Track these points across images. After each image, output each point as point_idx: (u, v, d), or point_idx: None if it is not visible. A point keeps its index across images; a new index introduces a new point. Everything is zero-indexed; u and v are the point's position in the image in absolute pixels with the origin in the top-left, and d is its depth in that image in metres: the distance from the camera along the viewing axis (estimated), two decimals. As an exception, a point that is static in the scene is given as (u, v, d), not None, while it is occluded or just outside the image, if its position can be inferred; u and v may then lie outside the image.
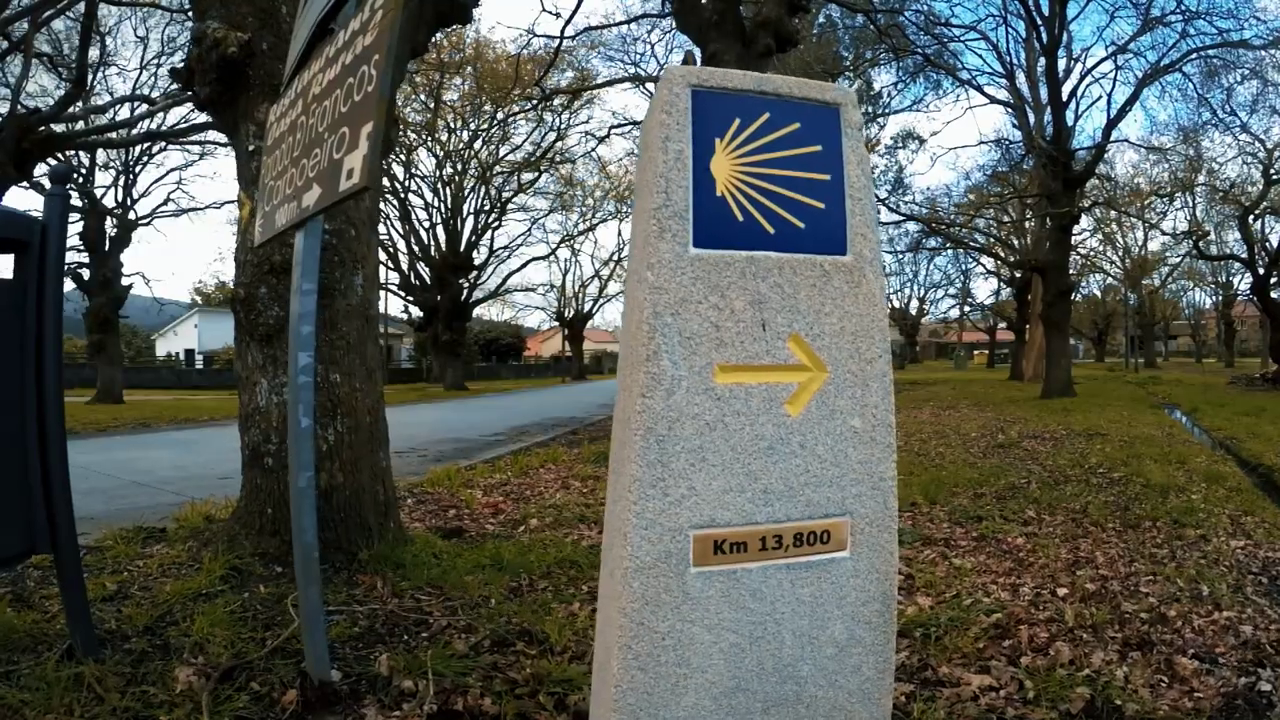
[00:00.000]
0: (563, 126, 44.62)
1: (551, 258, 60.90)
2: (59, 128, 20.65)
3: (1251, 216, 37.30)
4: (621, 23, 24.64)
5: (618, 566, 2.71)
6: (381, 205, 44.41)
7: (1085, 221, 52.95)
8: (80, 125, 23.88)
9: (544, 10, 47.75)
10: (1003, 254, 44.63)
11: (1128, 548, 6.59)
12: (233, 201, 59.62)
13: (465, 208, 46.75)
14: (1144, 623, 4.63)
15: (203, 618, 4.54)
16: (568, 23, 15.41)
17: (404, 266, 47.61)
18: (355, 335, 6.17)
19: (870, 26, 26.76)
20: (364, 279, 6.26)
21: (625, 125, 41.92)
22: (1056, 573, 5.85)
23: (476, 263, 48.18)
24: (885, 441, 2.82)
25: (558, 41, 19.05)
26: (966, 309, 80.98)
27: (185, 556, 6.12)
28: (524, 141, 46.18)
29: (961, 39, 29.82)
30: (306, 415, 3.78)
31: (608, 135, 43.50)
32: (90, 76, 27.30)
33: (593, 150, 44.74)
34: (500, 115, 41.06)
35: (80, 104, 22.68)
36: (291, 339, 3.84)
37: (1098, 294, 75.95)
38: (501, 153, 46.49)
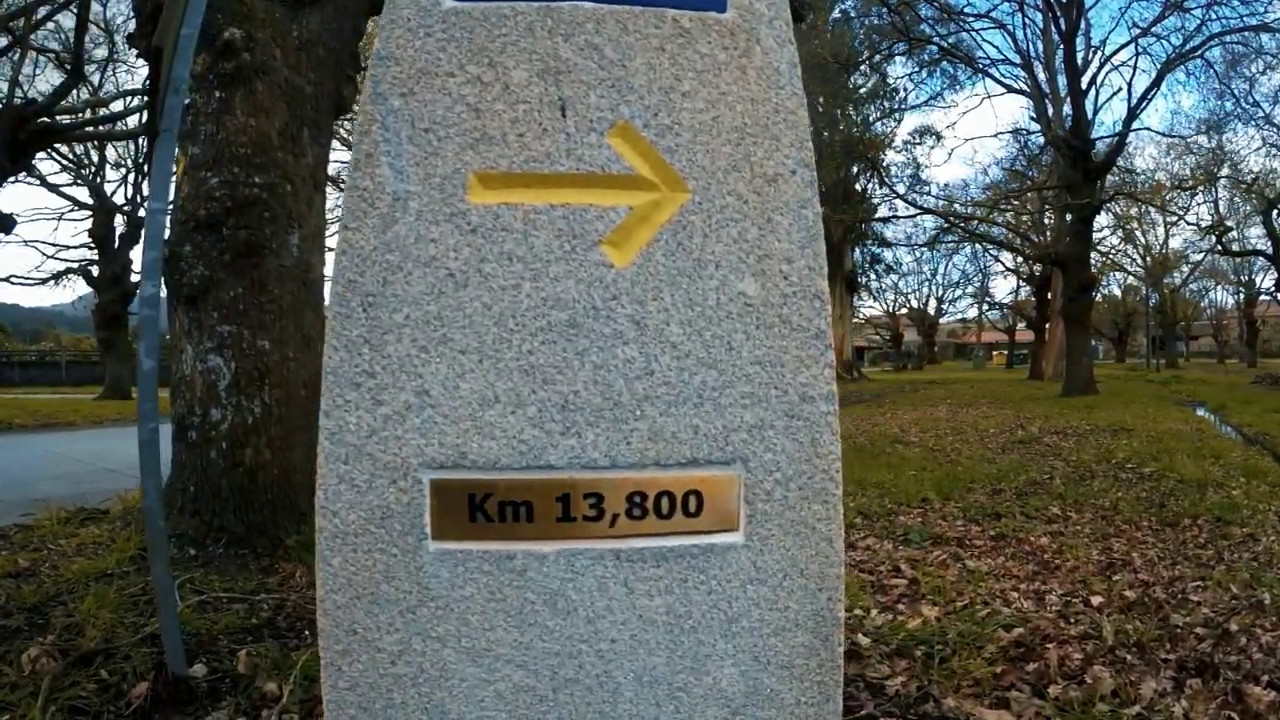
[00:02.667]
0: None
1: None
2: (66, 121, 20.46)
3: (1276, 211, 36.51)
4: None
5: (319, 533, 1.76)
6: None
7: (1105, 219, 52.52)
8: (86, 116, 23.44)
9: None
10: (1022, 248, 43.77)
11: (1167, 548, 5.81)
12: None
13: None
14: (1200, 639, 3.78)
15: (92, 599, 4.23)
16: None
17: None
18: (289, 300, 5.63)
19: (886, 14, 26.16)
20: (301, 239, 5.72)
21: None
22: (1088, 577, 5.04)
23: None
24: (812, 327, 1.83)
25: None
26: (985, 308, 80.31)
27: (106, 537, 5.90)
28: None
29: (978, 29, 29.15)
30: (149, 356, 3.26)
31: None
32: (99, 74, 27.06)
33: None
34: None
35: (82, 96, 22.46)
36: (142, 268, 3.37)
37: (1118, 293, 75.38)
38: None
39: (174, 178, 5.68)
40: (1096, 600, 4.49)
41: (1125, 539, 6.11)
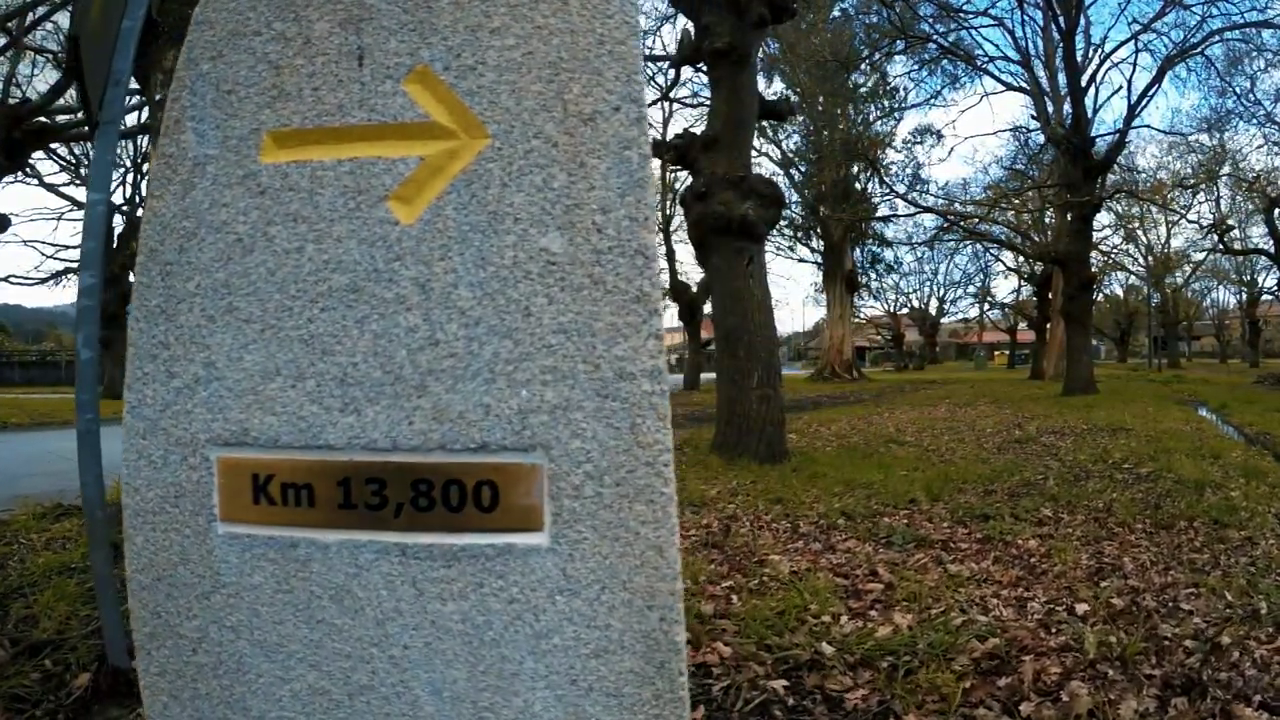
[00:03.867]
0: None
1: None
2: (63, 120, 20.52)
3: (1278, 210, 36.32)
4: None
5: (124, 510, 1.63)
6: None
7: (1107, 218, 52.40)
8: (82, 116, 23.40)
9: None
10: (1023, 246, 43.55)
11: (1161, 552, 5.55)
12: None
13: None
14: (1189, 653, 3.53)
15: (51, 592, 4.33)
16: None
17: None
18: None
19: (885, 13, 25.99)
20: None
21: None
22: (1075, 584, 4.79)
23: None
24: (632, 289, 1.57)
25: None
26: (986, 308, 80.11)
27: (75, 532, 6.07)
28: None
29: (977, 26, 28.94)
30: (87, 347, 3.19)
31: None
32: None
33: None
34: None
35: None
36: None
37: (1120, 293, 75.33)
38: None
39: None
40: (1082, 608, 4.23)
41: (1118, 542, 5.86)
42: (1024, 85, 29.48)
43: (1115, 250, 61.70)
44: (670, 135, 13.02)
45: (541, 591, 1.58)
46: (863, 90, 43.24)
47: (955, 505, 7.31)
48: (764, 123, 46.14)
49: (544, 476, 1.57)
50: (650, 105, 27.44)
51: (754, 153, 55.15)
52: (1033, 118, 31.66)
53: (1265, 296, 68.49)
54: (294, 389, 1.59)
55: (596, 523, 1.57)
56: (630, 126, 1.61)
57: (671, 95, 22.96)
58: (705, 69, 11.78)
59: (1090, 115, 27.83)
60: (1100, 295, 71.79)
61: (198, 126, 1.59)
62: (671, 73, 25.29)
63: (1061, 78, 27.89)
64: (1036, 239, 44.73)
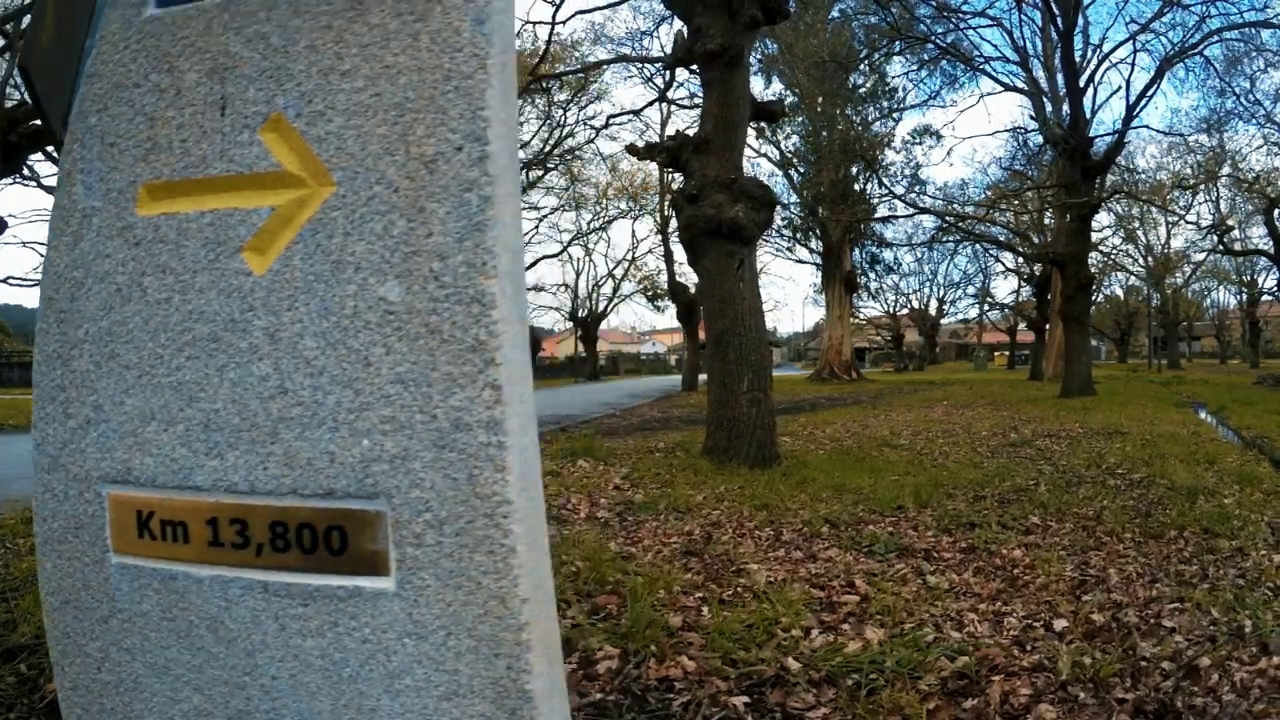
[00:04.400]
0: (573, 122, 43.81)
1: (564, 257, 60.01)
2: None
3: (1278, 210, 36.24)
4: (608, 5, 23.62)
5: (36, 538, 1.79)
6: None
7: (1107, 219, 52.39)
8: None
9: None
10: (1021, 247, 43.48)
11: (1149, 563, 5.47)
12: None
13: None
14: (1165, 675, 3.43)
15: (32, 596, 4.23)
16: (558, 7, 14.49)
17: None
18: None
19: (882, 11, 25.92)
20: None
21: (623, 115, 41.03)
22: (1056, 597, 4.70)
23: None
24: (467, 339, 1.54)
25: (550, 28, 18.05)
26: (986, 308, 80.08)
27: None
28: (531, 138, 45.32)
29: (975, 26, 28.86)
30: None
31: (607, 124, 42.23)
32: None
33: (592, 140, 43.54)
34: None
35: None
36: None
37: (1120, 293, 75.36)
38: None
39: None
40: (1060, 624, 4.14)
41: (1105, 552, 5.77)
42: (1022, 86, 29.38)
43: (1115, 251, 61.81)
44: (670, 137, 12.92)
45: (391, 633, 1.59)
46: (861, 91, 43.19)
47: (943, 512, 7.24)
48: (763, 124, 46.34)
49: (388, 524, 1.58)
50: (646, 108, 27.45)
51: (753, 153, 55.00)
52: (1031, 118, 31.52)
53: (1265, 297, 68.39)
54: (167, 433, 1.64)
55: (439, 570, 1.57)
56: (471, 167, 1.56)
57: (668, 97, 22.79)
58: (697, 70, 11.68)
59: (1090, 116, 27.85)
60: (1100, 296, 72.14)
61: (85, 179, 1.66)
62: (668, 74, 25.15)
63: (1060, 78, 27.78)
64: (1036, 240, 44.73)
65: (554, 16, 15.41)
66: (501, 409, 1.54)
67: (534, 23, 19.68)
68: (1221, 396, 25.17)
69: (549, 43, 17.73)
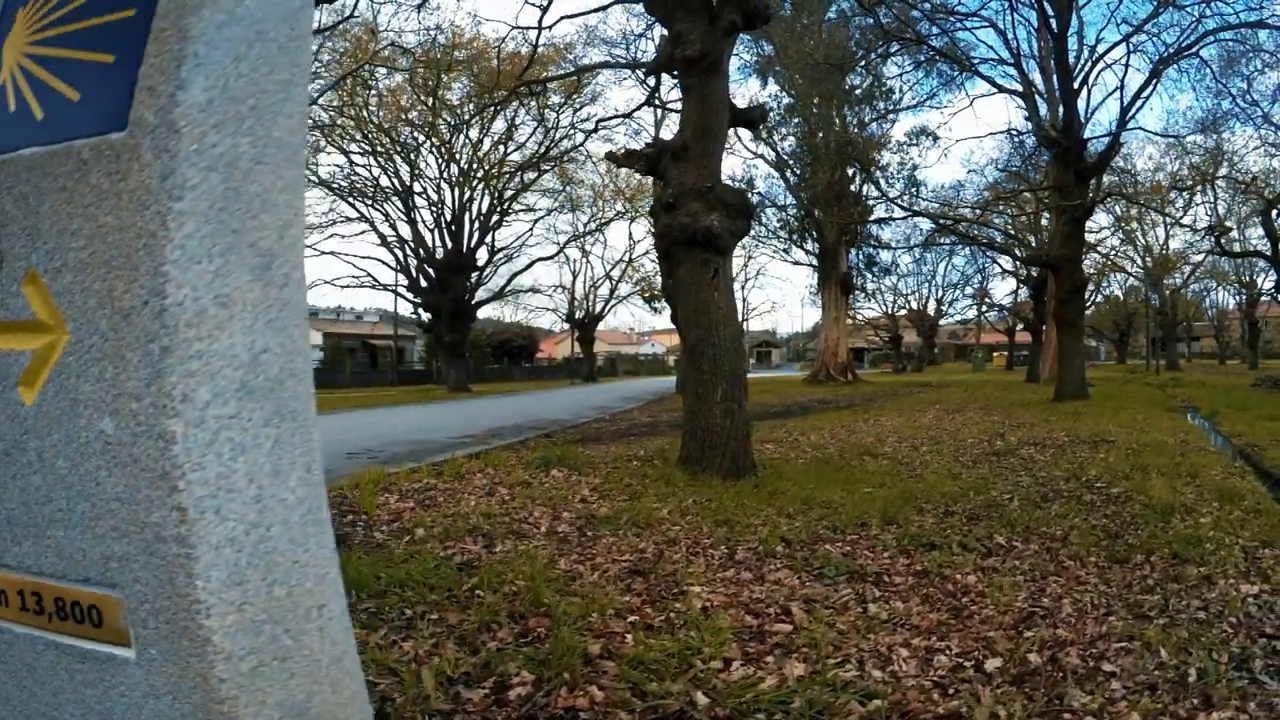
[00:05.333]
0: (566, 125, 43.74)
1: (561, 258, 59.98)
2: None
3: (1275, 211, 36.16)
4: (592, 10, 23.53)
5: None
6: (386, 206, 44.34)
7: (1105, 219, 52.39)
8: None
9: (526, 2, 46.32)
10: (1016, 251, 43.37)
11: (1108, 592, 5.31)
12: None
13: (469, 208, 45.70)
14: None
15: None
16: (545, 11, 14.39)
17: (411, 267, 46.66)
18: None
19: (870, 16, 25.82)
20: None
21: (613, 119, 40.99)
22: (998, 632, 4.54)
23: (479, 263, 47.19)
24: (157, 468, 1.82)
25: (537, 32, 17.92)
26: (984, 309, 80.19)
27: None
28: (527, 139, 45.24)
29: (969, 27, 28.75)
30: None
31: (596, 128, 42.12)
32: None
33: (581, 144, 43.42)
34: (492, 112, 39.95)
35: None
36: None
37: (1119, 294, 75.41)
38: (505, 151, 45.61)
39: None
40: (993, 665, 3.97)
41: (1065, 578, 5.62)
42: (1016, 88, 29.22)
43: (1114, 251, 61.84)
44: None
45: (138, 692, 1.92)
46: (858, 92, 43.12)
47: (906, 531, 7.08)
48: (760, 126, 46.28)
49: (124, 608, 1.89)
50: (634, 111, 27.28)
51: (750, 154, 55.25)
52: (1026, 120, 31.40)
53: (1264, 298, 68.38)
54: (-12, 525, 1.99)
55: (161, 648, 1.88)
56: (153, 320, 1.79)
57: (656, 101, 22.63)
58: (677, 76, 11.55)
59: (1086, 118, 27.79)
60: (1100, 296, 72.32)
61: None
62: (655, 79, 25.04)
63: (1055, 79, 27.65)
64: (1034, 241, 44.68)
65: (540, 21, 15.26)
66: (188, 527, 1.81)
67: (521, 28, 19.62)
68: (1216, 400, 25.09)
69: (535, 48, 17.55)
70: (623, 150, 13.51)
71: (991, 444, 13.86)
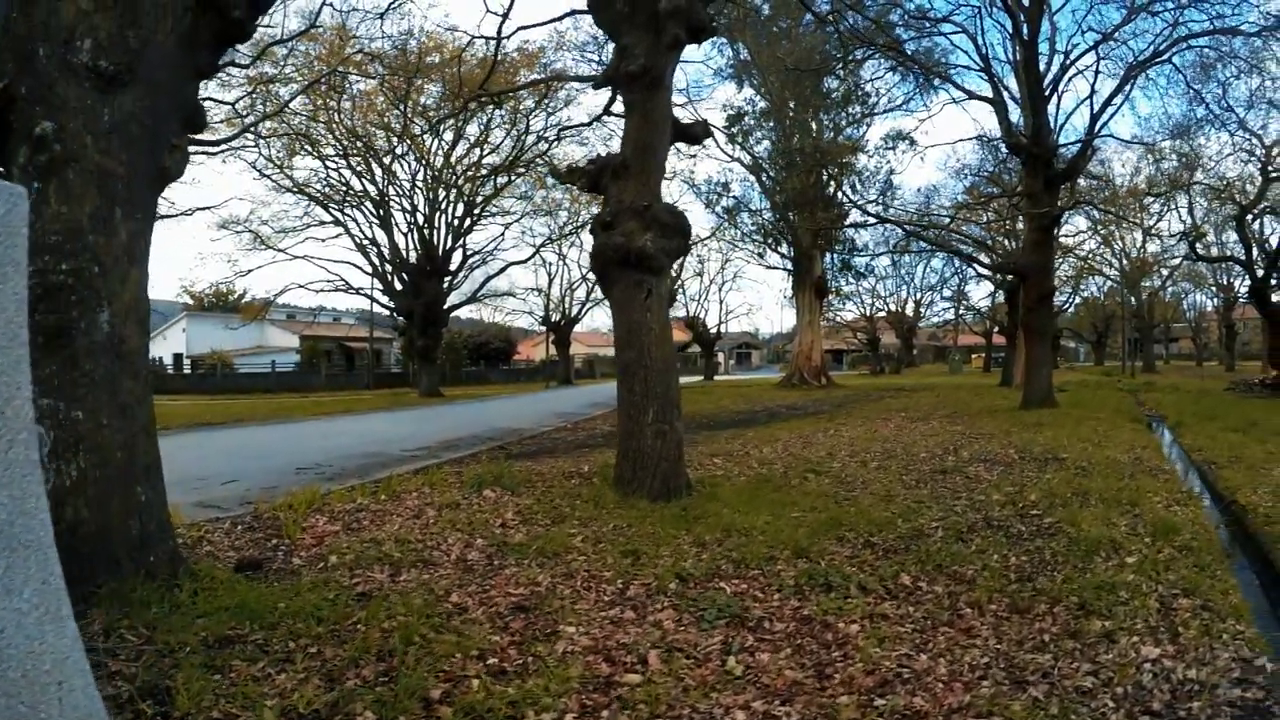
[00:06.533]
0: (539, 129, 43.56)
1: (538, 261, 59.85)
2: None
3: (1250, 216, 36.30)
4: (547, 21, 23.52)
5: None
6: (359, 210, 44.06)
7: (1083, 223, 52.53)
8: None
9: (488, 11, 45.64)
10: (985, 259, 43.37)
11: (996, 649, 5.15)
12: (215, 207, 59.71)
13: (445, 211, 45.44)
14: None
15: None
16: (504, 19, 14.22)
17: (386, 271, 46.43)
18: (102, 372, 6.01)
19: (852, 18, 25.68)
20: (112, 315, 6.08)
21: (574, 126, 40.91)
22: (853, 695, 4.38)
23: (452, 267, 46.89)
24: None
25: (496, 43, 17.73)
26: (962, 311, 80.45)
27: None
28: (501, 142, 45.03)
29: (944, 33, 28.72)
30: None
31: (559, 136, 42.05)
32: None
33: (546, 152, 43.20)
34: (464, 117, 39.67)
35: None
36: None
37: (1098, 296, 75.80)
38: (480, 155, 45.38)
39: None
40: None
41: (955, 630, 5.46)
42: (987, 94, 29.11)
43: (1092, 255, 62.10)
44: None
45: None
46: (835, 95, 43.10)
47: (814, 567, 6.92)
48: (733, 129, 46.23)
49: None
50: (594, 121, 27.11)
51: (727, 158, 55.14)
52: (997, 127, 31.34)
53: (1241, 300, 68.76)
54: None
55: None
56: None
57: (611, 113, 22.47)
58: (621, 91, 11.40)
59: (1060, 124, 27.90)
60: (1078, 299, 72.78)
61: None
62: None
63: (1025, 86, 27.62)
64: (1009, 245, 44.72)
65: (499, 31, 15.01)
66: None
67: (484, 38, 19.31)
68: (1186, 408, 25.20)
69: (494, 58, 17.33)
70: (566, 166, 13.38)
71: (942, 460, 13.75)
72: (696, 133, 12.05)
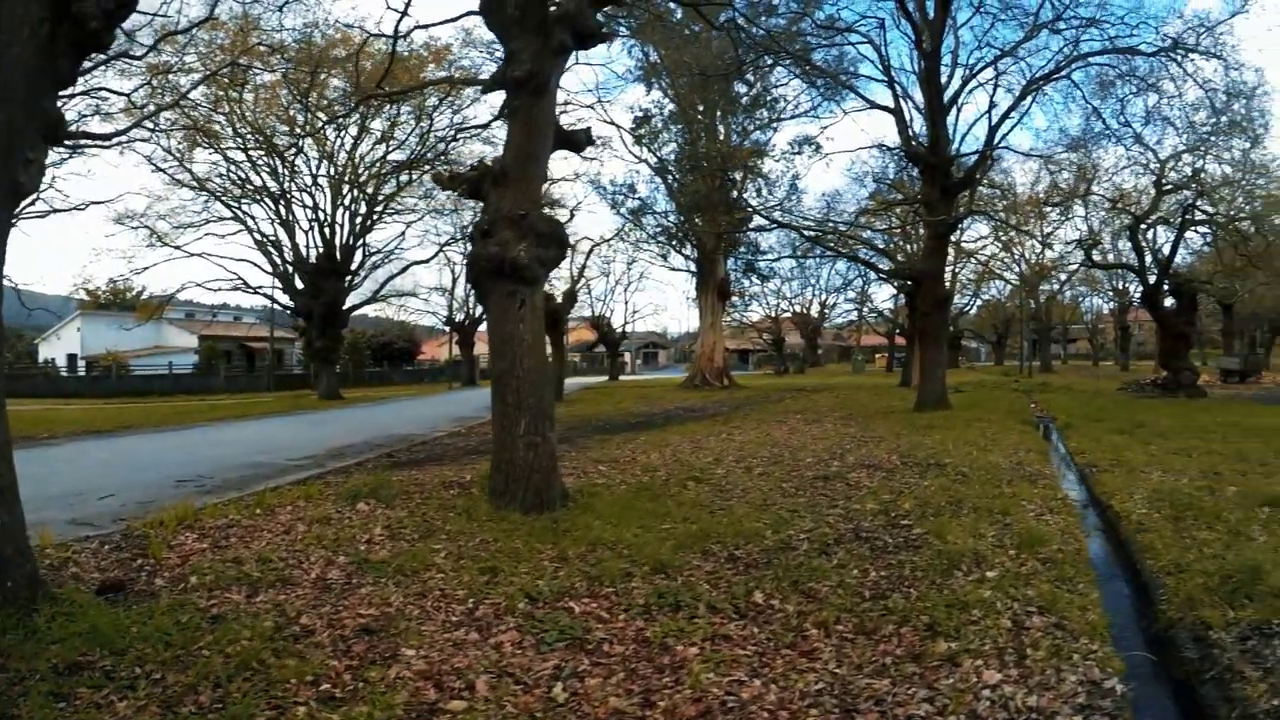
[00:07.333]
0: (443, 127, 43.06)
1: (442, 259, 59.15)
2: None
3: (1144, 226, 37.31)
4: (444, 21, 23.22)
5: None
6: (260, 205, 43.13)
7: (985, 229, 53.57)
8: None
9: (388, 7, 45.19)
10: (884, 264, 43.92)
11: (835, 674, 5.11)
12: (110, 201, 57.68)
13: (349, 209, 44.62)
14: None
15: None
16: (402, 15, 13.90)
17: (287, 270, 45.42)
18: None
19: (762, 23, 25.81)
20: None
21: (473, 128, 40.71)
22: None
23: (353, 267, 46.07)
24: None
25: (393, 41, 17.44)
26: (865, 312, 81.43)
27: None
28: (407, 138, 44.36)
29: (852, 42, 28.95)
30: None
31: (454, 136, 41.62)
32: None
33: (444, 154, 42.65)
34: (368, 112, 39.10)
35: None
36: None
37: (1000, 298, 77.37)
38: (385, 150, 44.65)
39: None
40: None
41: (796, 653, 5.42)
42: (888, 104, 29.42)
43: (993, 259, 63.46)
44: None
45: None
46: (743, 100, 43.24)
47: (664, 586, 6.86)
48: (640, 131, 46.20)
49: None
50: (493, 122, 26.72)
51: (633, 159, 55.11)
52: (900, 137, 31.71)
53: (1134, 304, 70.59)
54: None
55: None
56: None
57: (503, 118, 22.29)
58: (507, 96, 11.24)
59: (963, 135, 28.47)
60: (979, 301, 74.38)
61: None
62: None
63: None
64: (911, 250, 45.32)
65: (396, 29, 14.73)
66: None
67: (382, 35, 18.96)
68: (1076, 409, 25.75)
69: (391, 56, 17.04)
70: (449, 172, 13.21)
71: (827, 465, 13.84)
72: (579, 140, 11.95)
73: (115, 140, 29.72)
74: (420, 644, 5.58)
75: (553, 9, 10.74)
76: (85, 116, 29.76)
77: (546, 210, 39.66)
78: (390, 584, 6.99)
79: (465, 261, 10.87)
